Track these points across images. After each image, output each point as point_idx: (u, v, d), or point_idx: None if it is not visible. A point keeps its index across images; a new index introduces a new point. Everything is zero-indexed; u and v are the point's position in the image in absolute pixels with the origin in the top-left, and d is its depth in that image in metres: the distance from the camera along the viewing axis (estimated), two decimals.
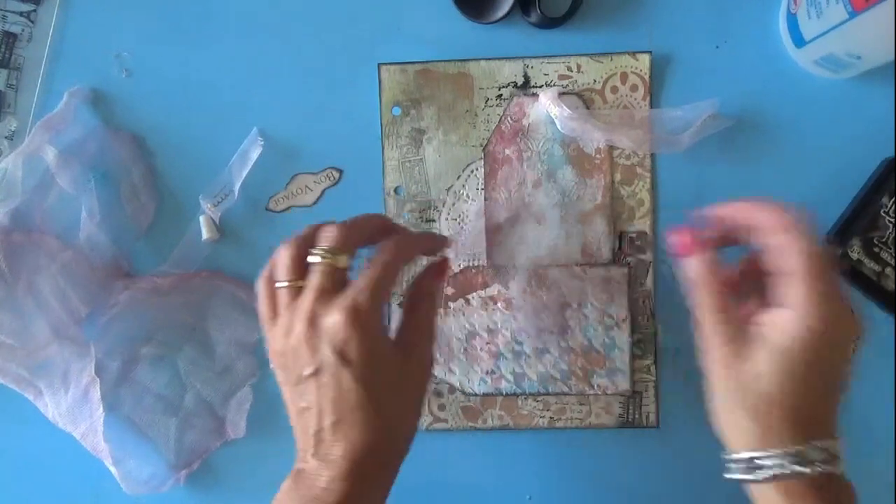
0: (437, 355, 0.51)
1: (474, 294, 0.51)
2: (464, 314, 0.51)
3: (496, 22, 0.49)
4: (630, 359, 0.50)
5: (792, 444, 0.36)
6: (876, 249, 0.49)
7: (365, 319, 0.38)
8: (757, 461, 0.37)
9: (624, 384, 0.51)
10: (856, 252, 0.49)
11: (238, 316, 0.51)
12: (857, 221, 0.48)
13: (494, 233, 0.51)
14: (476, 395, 0.51)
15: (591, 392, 0.51)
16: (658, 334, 0.50)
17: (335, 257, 0.39)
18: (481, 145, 0.51)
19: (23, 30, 0.51)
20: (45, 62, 0.52)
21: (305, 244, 0.41)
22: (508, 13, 0.49)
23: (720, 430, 0.40)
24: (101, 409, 0.49)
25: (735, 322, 0.39)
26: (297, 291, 0.40)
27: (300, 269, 0.40)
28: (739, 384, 0.37)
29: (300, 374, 0.39)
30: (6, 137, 0.52)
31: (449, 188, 0.51)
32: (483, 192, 0.51)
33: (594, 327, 0.50)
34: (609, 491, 0.51)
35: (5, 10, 0.51)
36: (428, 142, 0.51)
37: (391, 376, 0.40)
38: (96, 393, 0.49)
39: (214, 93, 0.51)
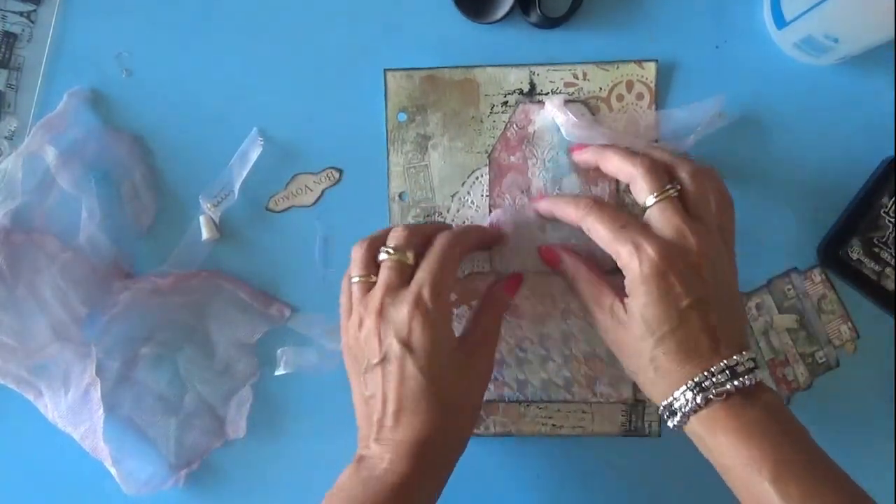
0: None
1: (478, 301, 0.50)
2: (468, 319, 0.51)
3: (496, 22, 0.49)
4: None
5: (691, 378, 0.40)
6: (876, 249, 0.49)
7: (428, 310, 0.41)
8: (671, 406, 0.41)
9: (626, 392, 0.50)
10: (856, 252, 0.49)
11: (238, 316, 0.51)
12: (857, 221, 0.49)
13: (498, 238, 0.50)
14: None
15: (594, 400, 0.51)
16: None
17: (402, 254, 0.43)
18: (486, 152, 0.51)
19: (23, 30, 0.51)
20: (45, 62, 0.52)
21: (377, 244, 0.44)
22: (508, 13, 0.49)
23: (648, 396, 0.43)
24: (101, 409, 0.49)
25: (611, 301, 0.43)
26: (369, 286, 0.43)
27: (372, 266, 0.44)
28: (632, 350, 0.42)
29: (368, 363, 0.42)
30: (6, 137, 0.52)
31: (454, 194, 0.51)
32: (488, 198, 0.51)
33: (598, 335, 0.50)
34: (610, 499, 0.51)
35: (5, 10, 0.51)
36: (433, 148, 0.51)
37: (452, 372, 0.42)
38: (96, 394, 0.49)
39: (214, 93, 0.51)
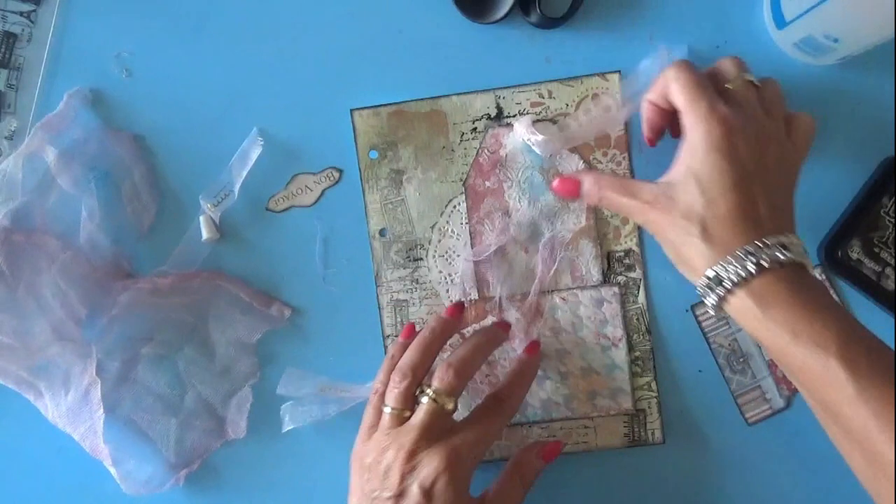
0: None
1: (469, 329, 0.51)
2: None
3: (496, 22, 0.49)
4: (630, 377, 0.50)
5: (742, 246, 0.38)
6: (876, 249, 0.49)
7: (459, 470, 0.41)
8: (719, 274, 0.38)
9: (626, 403, 0.50)
10: (856, 252, 0.49)
11: (238, 316, 0.51)
12: (857, 221, 0.49)
13: (483, 265, 0.50)
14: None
15: (595, 414, 0.50)
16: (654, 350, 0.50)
17: (445, 400, 0.43)
18: (461, 180, 0.51)
19: (23, 30, 0.51)
20: (45, 62, 0.52)
21: (418, 372, 0.44)
22: (508, 13, 0.49)
23: (688, 273, 0.41)
24: (101, 409, 0.49)
25: (647, 186, 0.41)
26: (400, 420, 0.43)
27: (409, 401, 0.44)
28: (679, 221, 0.40)
29: (380, 495, 0.42)
30: (6, 137, 0.52)
31: (433, 225, 0.51)
32: (468, 226, 0.51)
33: (591, 349, 0.50)
34: None
35: (5, 10, 0.51)
36: (408, 181, 0.51)
37: None
38: (97, 394, 0.49)
39: (214, 93, 0.51)
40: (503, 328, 0.49)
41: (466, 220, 0.51)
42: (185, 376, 0.52)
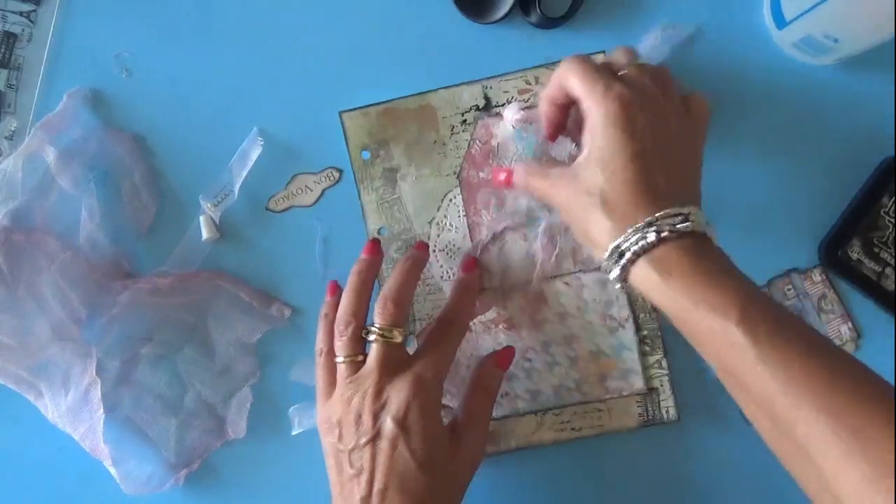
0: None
1: (475, 321, 0.50)
2: (468, 342, 0.50)
3: (496, 22, 0.49)
4: (640, 357, 0.50)
5: (643, 217, 0.38)
6: (876, 249, 0.49)
7: (427, 393, 0.42)
8: (620, 247, 0.39)
9: (638, 383, 0.50)
10: (856, 252, 0.49)
11: (238, 316, 0.51)
12: (857, 221, 0.49)
13: (483, 256, 0.50)
14: (494, 419, 0.50)
15: (608, 396, 0.50)
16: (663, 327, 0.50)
17: (392, 334, 0.44)
18: (455, 173, 0.51)
19: (23, 30, 0.51)
20: (45, 62, 0.52)
21: (358, 316, 0.45)
22: (508, 13, 0.49)
23: (594, 249, 0.41)
24: (101, 409, 0.49)
25: (558, 167, 0.42)
26: (356, 365, 0.44)
27: (359, 345, 0.44)
28: (583, 195, 0.40)
29: (357, 441, 0.42)
30: (6, 137, 0.52)
31: (431, 220, 0.51)
32: (465, 218, 0.51)
33: (599, 332, 0.50)
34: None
35: (5, 10, 0.51)
36: (402, 179, 0.51)
37: (441, 458, 0.43)
38: (97, 394, 0.49)
39: (214, 93, 0.51)
40: (421, 248, 0.49)
41: (464, 213, 0.51)
42: (185, 376, 0.52)
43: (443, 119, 0.50)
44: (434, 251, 0.51)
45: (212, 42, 0.51)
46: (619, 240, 0.38)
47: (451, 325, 0.46)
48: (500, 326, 0.50)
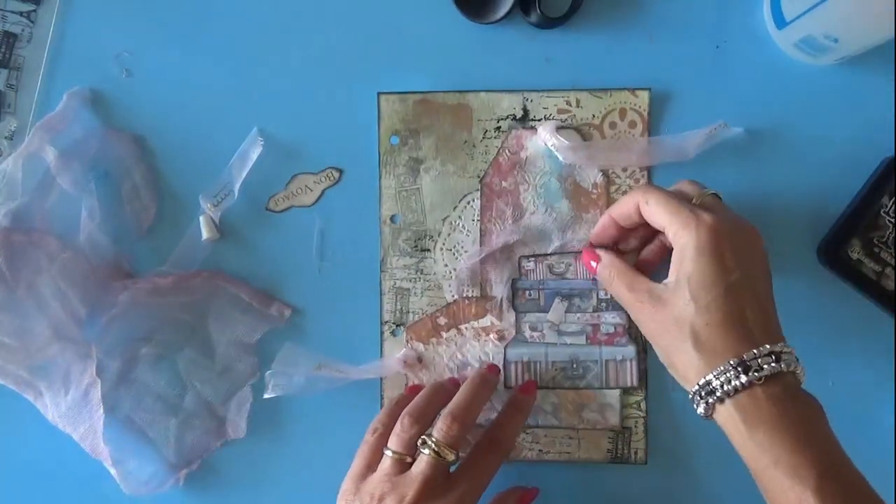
0: None
1: (467, 325, 0.50)
2: (456, 344, 0.51)
3: (496, 22, 0.49)
4: (621, 394, 0.50)
5: (735, 356, 0.38)
6: (876, 249, 0.49)
7: None
8: (710, 384, 0.39)
9: (614, 419, 0.50)
10: (856, 252, 0.49)
11: (238, 316, 0.51)
12: (857, 221, 0.49)
13: (489, 264, 0.50)
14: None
15: (581, 426, 0.50)
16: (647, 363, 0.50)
17: (447, 452, 0.43)
18: (478, 176, 0.51)
19: (23, 30, 0.51)
20: (45, 62, 0.52)
21: (427, 420, 0.44)
22: (508, 13, 0.49)
23: (681, 380, 0.42)
24: (101, 409, 0.49)
25: (647, 285, 0.43)
26: (402, 465, 0.43)
27: (413, 448, 0.43)
28: (671, 326, 0.40)
29: None
30: (6, 137, 0.52)
31: (445, 218, 0.51)
32: (479, 223, 0.51)
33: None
34: None
35: (5, 10, 0.51)
36: (425, 171, 0.51)
37: None
38: (97, 394, 0.49)
39: (214, 93, 0.51)
40: (493, 371, 0.49)
41: (478, 217, 0.51)
42: (185, 376, 0.52)
43: (477, 121, 0.50)
44: (441, 249, 0.51)
45: (212, 42, 0.51)
46: (709, 377, 0.39)
47: (497, 446, 0.45)
48: (492, 336, 0.50)
